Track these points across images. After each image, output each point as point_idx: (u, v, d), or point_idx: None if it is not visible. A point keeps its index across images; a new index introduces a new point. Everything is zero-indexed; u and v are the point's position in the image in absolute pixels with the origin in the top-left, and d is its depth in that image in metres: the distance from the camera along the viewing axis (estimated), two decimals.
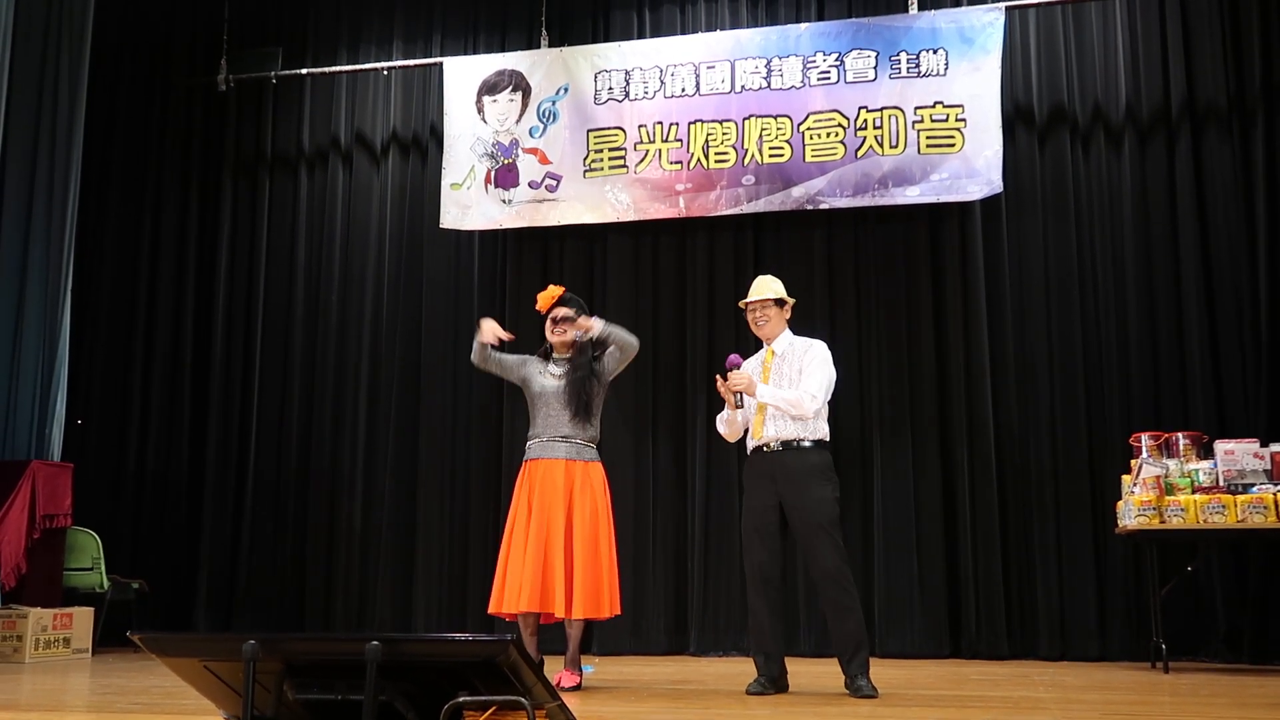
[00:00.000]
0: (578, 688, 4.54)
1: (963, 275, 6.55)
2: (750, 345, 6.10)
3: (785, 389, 4.40)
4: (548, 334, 4.82)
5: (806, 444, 4.37)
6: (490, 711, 2.21)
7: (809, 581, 5.94)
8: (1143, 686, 4.66)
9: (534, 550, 4.50)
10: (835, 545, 4.28)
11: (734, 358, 4.49)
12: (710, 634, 6.45)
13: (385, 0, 7.69)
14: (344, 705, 2.23)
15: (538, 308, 4.85)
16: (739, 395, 4.38)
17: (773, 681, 4.31)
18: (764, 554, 4.36)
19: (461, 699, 2.20)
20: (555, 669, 4.51)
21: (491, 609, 4.62)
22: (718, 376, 4.45)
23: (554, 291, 4.82)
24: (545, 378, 4.77)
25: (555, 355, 4.82)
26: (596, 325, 4.70)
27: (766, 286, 4.61)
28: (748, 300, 4.63)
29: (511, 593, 4.50)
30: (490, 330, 4.78)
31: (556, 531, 4.54)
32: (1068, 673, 5.32)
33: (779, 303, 4.57)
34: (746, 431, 4.56)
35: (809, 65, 6.72)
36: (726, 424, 4.58)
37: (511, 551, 4.58)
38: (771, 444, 4.40)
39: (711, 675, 5.17)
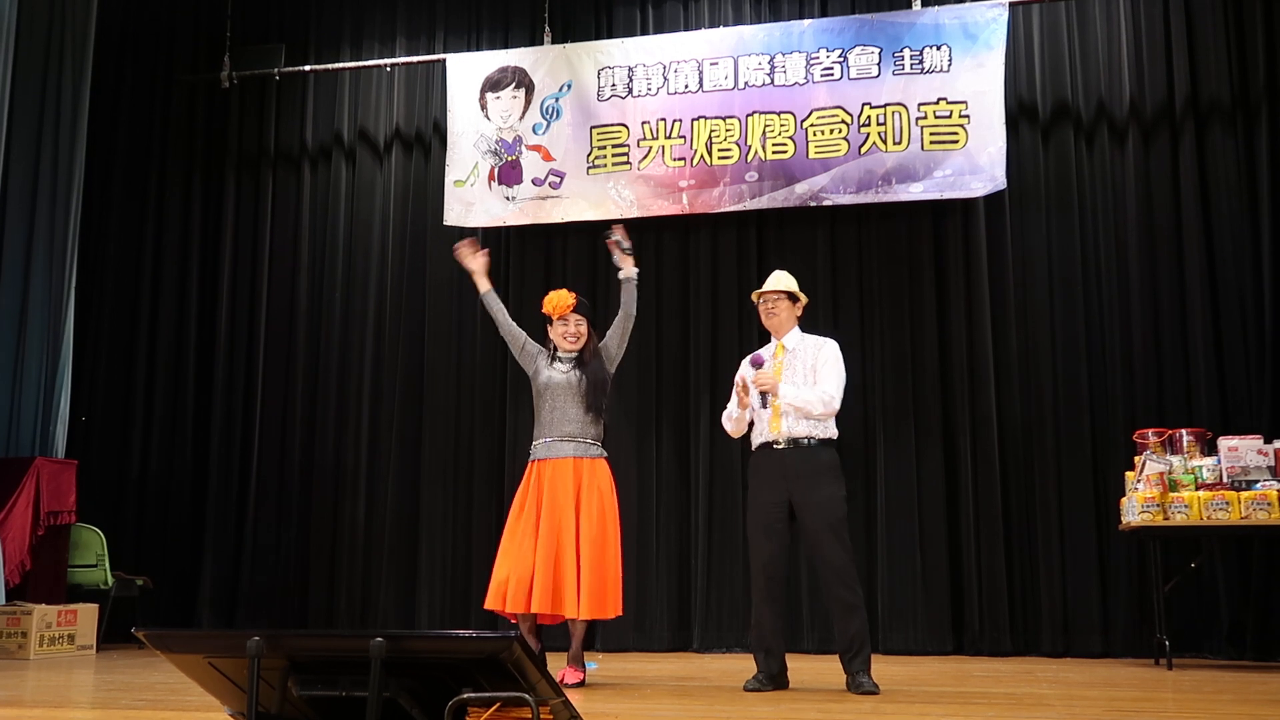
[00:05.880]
0: (581, 684, 4.55)
1: (966, 272, 6.55)
2: (754, 341, 6.12)
3: (804, 389, 4.39)
4: (553, 336, 4.81)
5: (816, 442, 4.37)
6: (494, 708, 2.22)
7: (812, 578, 5.95)
8: (1146, 683, 4.65)
9: (545, 551, 4.49)
10: (843, 543, 4.29)
11: (758, 356, 4.48)
12: (714, 631, 6.45)
13: None
14: (348, 702, 2.24)
15: (545, 310, 4.82)
16: (764, 396, 4.36)
17: (771, 679, 4.31)
18: (771, 551, 4.35)
19: (466, 695, 2.21)
20: (558, 666, 4.51)
21: (491, 604, 4.56)
22: (742, 377, 4.45)
23: (567, 299, 4.76)
24: (553, 371, 4.77)
25: (561, 354, 4.81)
26: (632, 270, 4.85)
27: (781, 279, 4.62)
28: (762, 291, 4.63)
29: (519, 592, 4.46)
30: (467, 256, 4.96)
31: (568, 531, 4.53)
32: (1071, 669, 5.32)
33: (791, 297, 4.57)
34: (750, 427, 4.56)
35: (812, 62, 6.72)
36: (734, 421, 4.58)
37: (517, 548, 4.55)
38: (781, 441, 4.39)
39: (715, 672, 5.17)
